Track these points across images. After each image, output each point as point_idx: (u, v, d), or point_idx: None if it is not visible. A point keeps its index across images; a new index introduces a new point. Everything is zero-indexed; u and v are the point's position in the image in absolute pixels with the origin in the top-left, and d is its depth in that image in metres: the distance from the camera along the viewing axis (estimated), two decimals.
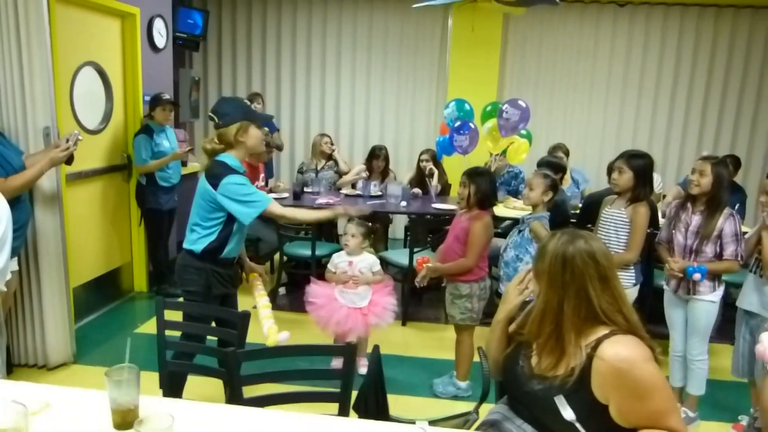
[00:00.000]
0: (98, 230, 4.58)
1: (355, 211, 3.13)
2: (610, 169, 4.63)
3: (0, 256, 2.03)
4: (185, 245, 2.78)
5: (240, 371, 1.94)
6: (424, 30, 7.05)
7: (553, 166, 4.39)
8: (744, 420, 3.25)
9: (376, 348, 1.98)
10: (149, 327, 4.39)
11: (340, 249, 4.74)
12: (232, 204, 2.64)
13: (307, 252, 4.81)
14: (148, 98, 4.81)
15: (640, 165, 3.25)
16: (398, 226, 6.93)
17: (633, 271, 3.29)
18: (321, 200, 5.06)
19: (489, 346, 1.92)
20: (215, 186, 2.63)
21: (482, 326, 3.54)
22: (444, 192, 5.81)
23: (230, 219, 2.70)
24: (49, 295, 3.56)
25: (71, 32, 4.11)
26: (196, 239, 2.73)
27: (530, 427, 1.68)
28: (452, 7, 6.58)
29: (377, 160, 5.90)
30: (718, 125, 6.97)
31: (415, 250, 4.65)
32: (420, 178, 5.82)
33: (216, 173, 2.65)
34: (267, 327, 2.60)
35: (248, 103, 2.86)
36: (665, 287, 3.33)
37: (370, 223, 3.96)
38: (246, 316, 2.26)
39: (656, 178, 4.83)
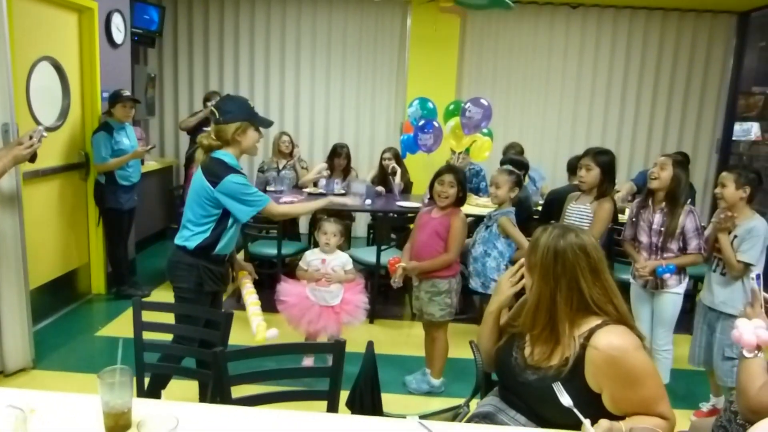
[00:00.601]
0: (55, 230, 4.42)
1: (351, 200, 3.41)
2: (572, 167, 4.77)
3: None
4: (177, 241, 2.76)
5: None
6: (383, 28, 7.08)
7: (516, 163, 4.48)
8: (705, 407, 3.37)
9: (370, 344, 1.98)
10: (110, 330, 4.28)
11: (305, 248, 4.74)
12: (231, 202, 2.66)
13: (271, 251, 4.78)
14: (106, 95, 4.67)
15: (606, 161, 3.37)
16: (360, 224, 6.93)
17: None
18: (285, 199, 5.01)
19: (481, 339, 1.95)
20: (214, 184, 2.63)
21: (453, 322, 3.59)
22: (406, 190, 5.84)
23: (224, 215, 2.70)
24: (7, 298, 3.41)
25: (27, 26, 3.94)
26: (189, 236, 2.71)
27: (524, 418, 1.71)
28: (411, 6, 6.63)
29: (339, 159, 5.85)
30: (665, 123, 7.27)
31: (382, 248, 4.67)
32: (383, 177, 5.82)
33: (216, 171, 2.65)
34: (256, 324, 2.58)
35: (251, 104, 2.86)
36: (632, 281, 3.44)
37: (345, 221, 3.98)
38: (230, 316, 2.23)
39: None
